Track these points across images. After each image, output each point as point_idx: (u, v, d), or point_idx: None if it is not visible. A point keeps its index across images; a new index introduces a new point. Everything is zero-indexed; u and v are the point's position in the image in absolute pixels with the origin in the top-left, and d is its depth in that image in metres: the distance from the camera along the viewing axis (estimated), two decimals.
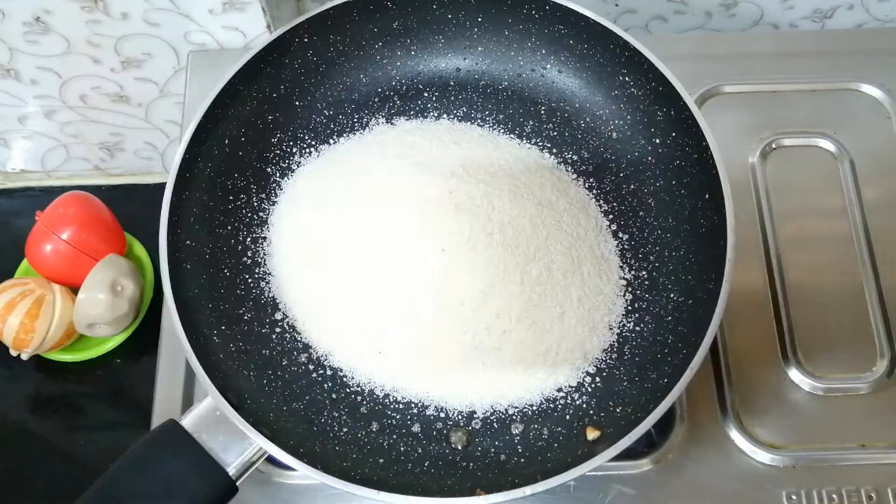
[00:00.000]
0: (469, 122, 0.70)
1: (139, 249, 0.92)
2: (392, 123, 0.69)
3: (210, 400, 0.52)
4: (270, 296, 0.63)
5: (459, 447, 0.58)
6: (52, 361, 0.87)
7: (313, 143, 0.69)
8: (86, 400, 0.88)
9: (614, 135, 0.68)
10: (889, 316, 0.68)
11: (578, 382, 0.60)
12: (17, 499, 0.84)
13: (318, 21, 0.66)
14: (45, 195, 0.89)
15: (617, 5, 0.85)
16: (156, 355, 0.68)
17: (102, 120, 0.91)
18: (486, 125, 0.69)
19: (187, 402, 0.65)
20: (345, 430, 0.58)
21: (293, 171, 0.68)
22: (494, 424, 0.59)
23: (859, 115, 0.76)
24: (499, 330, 0.59)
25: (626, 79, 0.66)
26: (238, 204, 0.65)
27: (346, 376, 0.61)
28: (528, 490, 0.50)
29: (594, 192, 0.67)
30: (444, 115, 0.70)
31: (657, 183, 0.66)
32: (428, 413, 0.59)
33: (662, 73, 0.62)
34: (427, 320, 0.59)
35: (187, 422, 0.52)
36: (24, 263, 0.89)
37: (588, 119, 0.69)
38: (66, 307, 0.83)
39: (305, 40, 0.67)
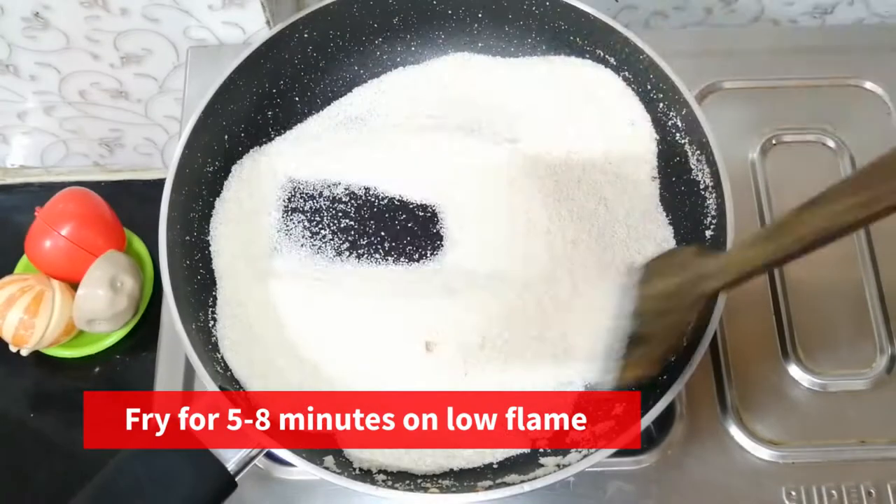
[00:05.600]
0: None
1: (138, 245, 0.92)
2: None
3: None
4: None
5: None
6: (51, 357, 0.87)
7: None
8: None
9: None
10: (889, 312, 0.68)
11: None
12: (17, 494, 0.84)
13: (317, 16, 0.66)
14: (45, 191, 0.89)
15: (617, 1, 0.85)
16: (155, 351, 0.68)
17: (102, 116, 0.91)
18: None
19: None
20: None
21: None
22: None
23: (860, 111, 0.76)
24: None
25: (627, 75, 0.66)
26: None
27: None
28: (526, 486, 0.50)
29: None
30: None
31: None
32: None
33: (662, 70, 0.62)
34: None
35: None
36: (24, 259, 0.89)
37: None
38: (66, 303, 0.83)
39: (305, 36, 0.67)
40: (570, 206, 0.62)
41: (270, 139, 0.68)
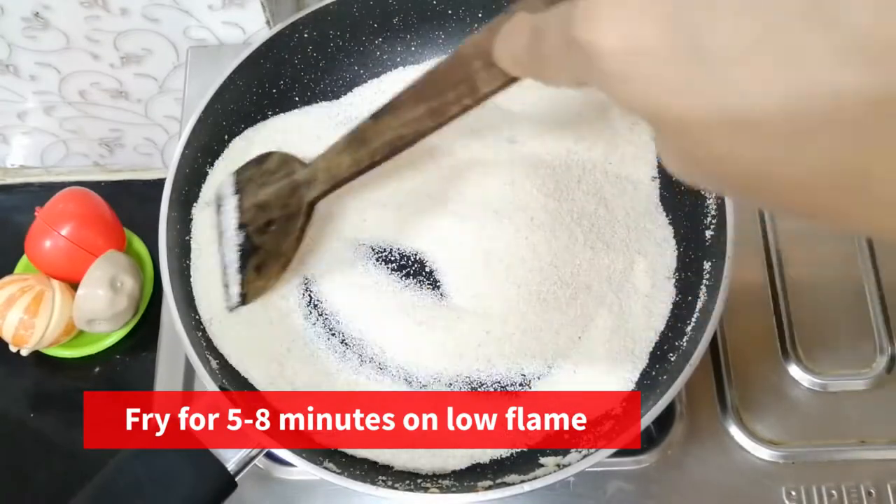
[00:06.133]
0: None
1: (139, 245, 0.92)
2: None
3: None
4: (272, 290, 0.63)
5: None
6: (51, 357, 0.87)
7: None
8: None
9: None
10: (889, 312, 0.68)
11: None
12: (17, 494, 0.84)
13: (317, 16, 0.66)
14: (45, 191, 0.89)
15: None
16: (155, 351, 0.68)
17: (102, 116, 0.91)
18: None
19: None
20: None
21: None
22: None
23: None
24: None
25: None
26: None
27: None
28: (526, 486, 0.50)
29: None
30: None
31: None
32: None
33: None
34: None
35: None
36: (24, 259, 0.89)
37: None
38: (66, 303, 0.83)
39: (305, 36, 0.67)
40: (571, 206, 0.62)
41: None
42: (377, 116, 0.47)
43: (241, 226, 0.55)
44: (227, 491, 0.50)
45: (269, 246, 0.55)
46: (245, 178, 0.57)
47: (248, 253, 0.54)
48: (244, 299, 0.57)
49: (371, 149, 0.47)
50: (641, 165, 0.64)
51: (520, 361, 0.59)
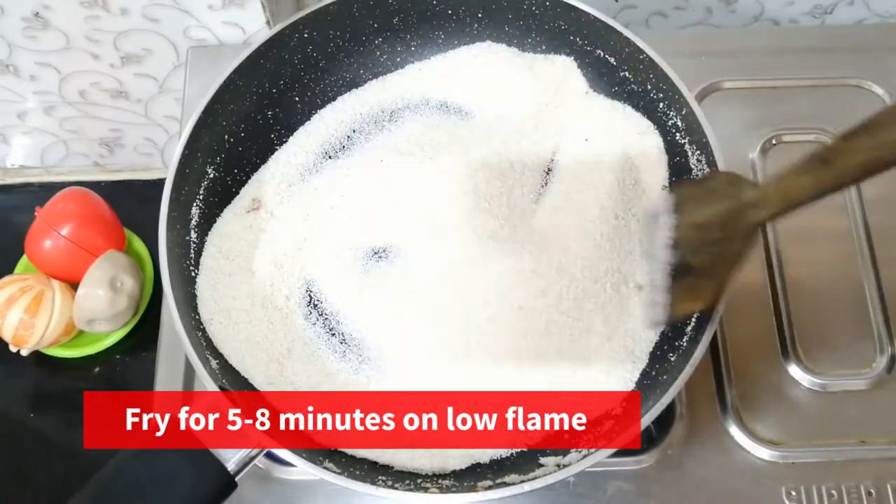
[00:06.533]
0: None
1: (139, 245, 0.92)
2: (394, 120, 0.69)
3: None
4: (272, 290, 0.63)
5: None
6: (51, 357, 0.87)
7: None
8: None
9: None
10: (889, 312, 0.68)
11: None
12: (17, 494, 0.84)
13: (317, 16, 0.66)
14: (45, 191, 0.89)
15: (617, 1, 0.85)
16: (155, 351, 0.68)
17: (102, 116, 0.91)
18: None
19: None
20: None
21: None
22: None
23: (860, 111, 0.74)
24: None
25: (627, 75, 0.66)
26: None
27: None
28: (526, 486, 0.50)
29: None
30: None
31: None
32: None
33: (663, 70, 0.62)
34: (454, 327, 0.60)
35: None
36: (24, 259, 0.89)
37: None
38: (66, 303, 0.83)
39: (305, 36, 0.67)
40: (575, 206, 0.63)
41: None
42: (849, 137, 0.44)
43: (676, 245, 0.50)
44: (227, 491, 0.50)
45: (705, 267, 0.50)
46: (684, 195, 0.51)
47: (682, 272, 0.50)
48: (670, 317, 0.52)
49: (839, 170, 0.45)
50: (649, 171, 0.64)
51: (520, 361, 0.59)
